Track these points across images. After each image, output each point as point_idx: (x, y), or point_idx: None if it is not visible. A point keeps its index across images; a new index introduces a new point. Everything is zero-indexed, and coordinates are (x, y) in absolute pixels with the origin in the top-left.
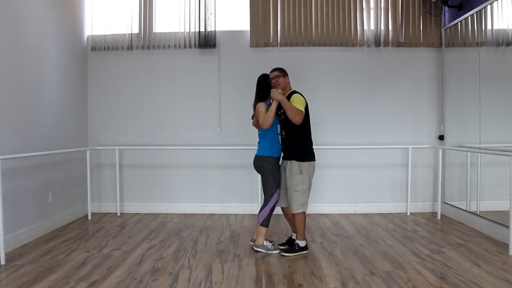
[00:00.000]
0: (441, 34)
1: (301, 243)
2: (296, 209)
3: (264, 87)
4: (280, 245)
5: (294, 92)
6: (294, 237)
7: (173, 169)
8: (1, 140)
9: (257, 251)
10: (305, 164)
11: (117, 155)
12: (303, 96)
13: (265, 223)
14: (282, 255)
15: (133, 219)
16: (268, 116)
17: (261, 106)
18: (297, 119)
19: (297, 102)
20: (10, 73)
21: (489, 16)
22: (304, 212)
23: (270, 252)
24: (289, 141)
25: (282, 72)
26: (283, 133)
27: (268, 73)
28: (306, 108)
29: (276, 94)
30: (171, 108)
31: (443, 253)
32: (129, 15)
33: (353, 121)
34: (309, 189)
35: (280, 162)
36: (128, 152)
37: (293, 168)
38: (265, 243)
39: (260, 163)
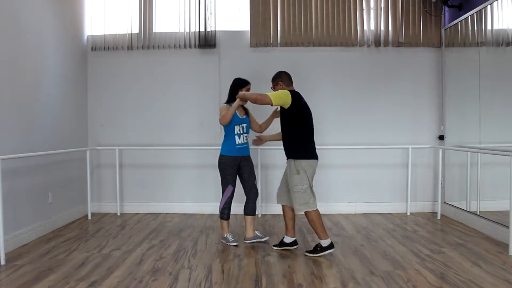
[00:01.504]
0: (441, 34)
1: (323, 243)
2: (298, 209)
3: (232, 91)
4: (274, 246)
5: None
6: (285, 239)
7: (173, 169)
8: (1, 140)
9: (221, 242)
10: (302, 162)
11: (117, 155)
12: (290, 92)
13: (222, 215)
14: (305, 255)
15: (133, 219)
16: (226, 114)
17: (222, 107)
18: (258, 98)
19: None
20: (10, 73)
21: (489, 16)
22: (313, 212)
23: (230, 244)
24: (284, 138)
25: (274, 80)
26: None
27: (273, 73)
28: (297, 103)
29: (238, 94)
30: (171, 108)
31: (443, 253)
32: (129, 15)
33: (353, 121)
34: (310, 187)
35: (232, 161)
36: (128, 152)
37: (290, 167)
38: (226, 235)
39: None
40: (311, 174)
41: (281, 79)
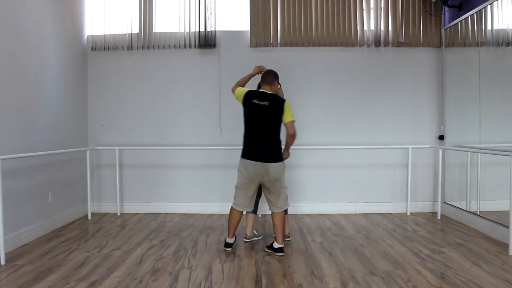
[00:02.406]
0: (441, 34)
1: (226, 239)
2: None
3: None
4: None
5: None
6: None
7: (173, 169)
8: (1, 140)
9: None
10: (240, 161)
11: (117, 155)
12: (247, 92)
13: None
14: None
15: (133, 219)
16: None
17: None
18: (233, 87)
19: None
20: (10, 73)
21: (489, 16)
22: (231, 208)
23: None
24: None
25: None
26: None
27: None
28: (245, 104)
29: None
30: (171, 108)
31: (443, 253)
32: (129, 15)
33: (353, 121)
34: (242, 188)
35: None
36: (128, 152)
37: None
38: (255, 232)
39: None
40: (249, 175)
41: (262, 79)
